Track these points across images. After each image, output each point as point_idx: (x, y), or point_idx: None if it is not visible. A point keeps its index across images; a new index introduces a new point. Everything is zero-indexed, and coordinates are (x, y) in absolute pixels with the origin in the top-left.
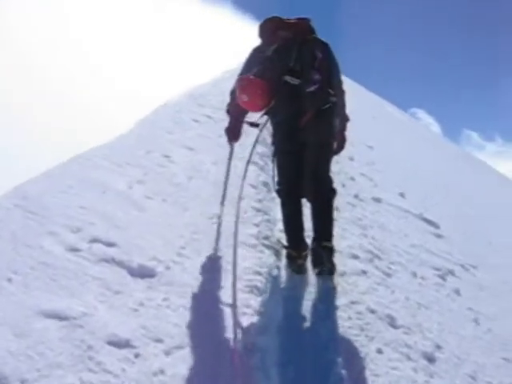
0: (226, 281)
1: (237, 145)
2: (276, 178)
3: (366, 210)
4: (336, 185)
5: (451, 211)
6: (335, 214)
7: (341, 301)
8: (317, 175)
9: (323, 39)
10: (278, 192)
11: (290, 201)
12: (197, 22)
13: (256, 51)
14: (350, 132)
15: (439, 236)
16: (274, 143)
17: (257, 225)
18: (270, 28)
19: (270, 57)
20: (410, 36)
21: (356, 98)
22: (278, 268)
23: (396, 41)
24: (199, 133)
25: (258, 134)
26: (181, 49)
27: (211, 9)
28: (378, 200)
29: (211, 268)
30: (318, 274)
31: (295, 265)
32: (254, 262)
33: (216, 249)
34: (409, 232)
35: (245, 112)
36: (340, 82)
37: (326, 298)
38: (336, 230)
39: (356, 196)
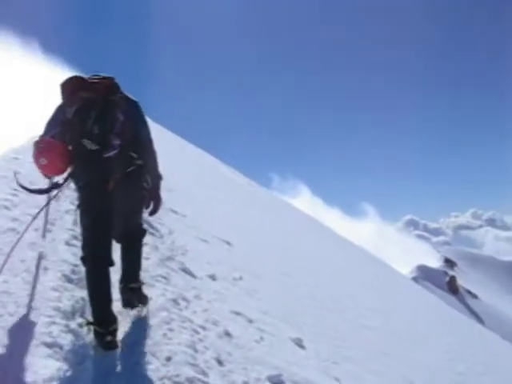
0: None
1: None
2: (81, 245)
3: None
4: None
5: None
6: None
7: None
8: (127, 228)
9: (131, 97)
10: (83, 259)
11: (97, 268)
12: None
13: (58, 111)
14: (200, 220)
15: None
16: (79, 206)
17: None
18: (70, 88)
19: (69, 119)
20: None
21: (189, 159)
22: None
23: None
24: None
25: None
26: None
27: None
28: None
29: None
30: (132, 309)
31: (103, 342)
32: None
33: None
34: None
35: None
36: (149, 142)
37: None
38: None
39: None
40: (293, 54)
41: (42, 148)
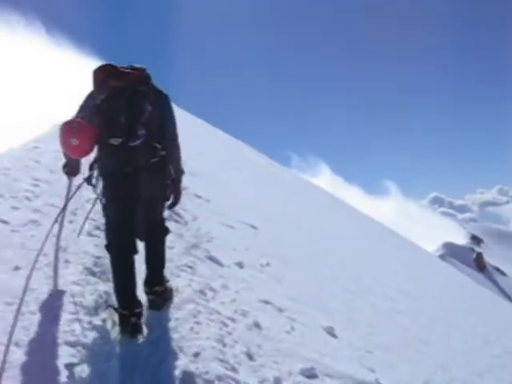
0: None
1: None
2: (105, 233)
3: None
4: None
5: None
6: None
7: None
8: (150, 221)
9: (161, 89)
10: (108, 247)
11: (121, 255)
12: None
13: (89, 97)
14: (224, 204)
15: None
16: (104, 195)
17: None
18: (101, 76)
19: (98, 106)
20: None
21: (214, 142)
22: None
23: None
24: None
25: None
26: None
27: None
28: None
29: None
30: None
31: (129, 325)
32: None
33: None
34: None
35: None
36: (175, 136)
37: None
38: None
39: None
40: (308, 31)
41: (76, 129)
